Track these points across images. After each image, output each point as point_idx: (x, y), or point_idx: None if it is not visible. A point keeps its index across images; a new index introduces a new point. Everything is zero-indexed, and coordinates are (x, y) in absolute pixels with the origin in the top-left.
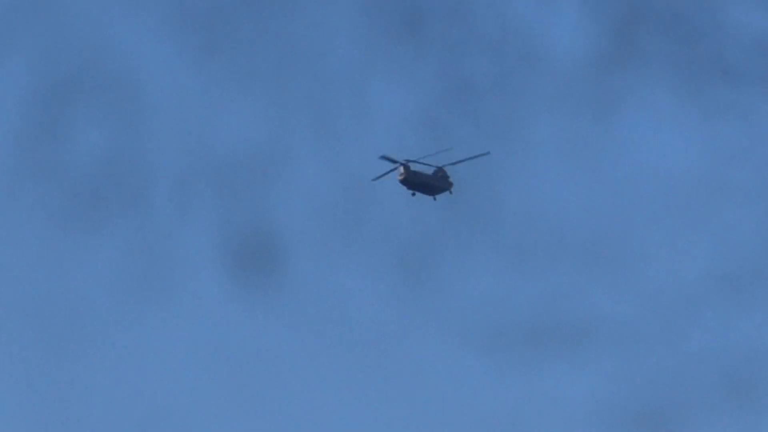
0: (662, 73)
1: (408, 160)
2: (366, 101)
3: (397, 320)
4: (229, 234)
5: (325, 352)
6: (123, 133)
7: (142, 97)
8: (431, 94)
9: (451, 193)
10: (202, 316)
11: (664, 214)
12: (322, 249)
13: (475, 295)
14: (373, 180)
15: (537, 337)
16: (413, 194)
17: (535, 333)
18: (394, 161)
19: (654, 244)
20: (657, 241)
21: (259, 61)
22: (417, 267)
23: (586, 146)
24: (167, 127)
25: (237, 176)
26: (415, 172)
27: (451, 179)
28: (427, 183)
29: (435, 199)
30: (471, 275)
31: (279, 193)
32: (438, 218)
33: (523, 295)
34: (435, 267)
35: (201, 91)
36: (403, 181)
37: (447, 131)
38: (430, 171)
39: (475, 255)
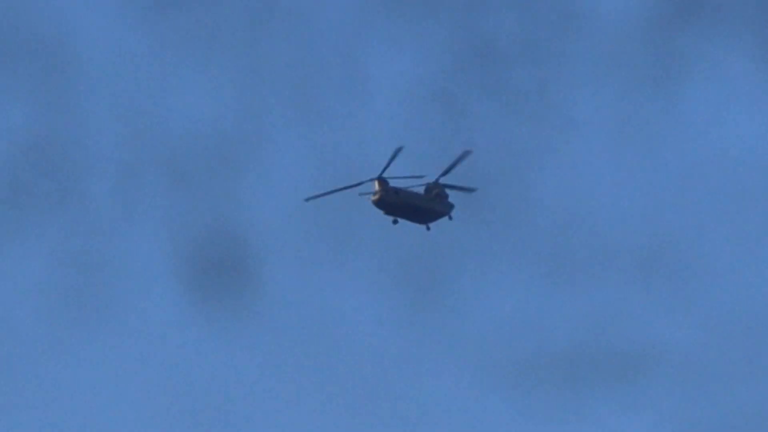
0: (737, 32)
1: (382, 176)
2: (360, 71)
3: (399, 350)
4: (186, 239)
5: (306, 390)
6: (51, 110)
7: (75, 64)
8: (442, 62)
9: (450, 218)
10: (151, 344)
11: (740, 215)
12: (305, 259)
13: (498, 318)
14: (307, 200)
15: (577, 370)
16: (394, 222)
17: (574, 365)
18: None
19: (726, 254)
20: (730, 250)
21: (223, 18)
22: (425, 282)
23: (641, 128)
24: (107, 103)
25: (196, 165)
26: (395, 190)
27: (449, 199)
28: (413, 205)
29: (428, 228)
30: (493, 292)
31: (249, 187)
32: (454, 224)
33: (559, 317)
34: (447, 282)
35: (150, 57)
36: (378, 202)
37: (463, 110)
38: (419, 187)
39: (498, 266)
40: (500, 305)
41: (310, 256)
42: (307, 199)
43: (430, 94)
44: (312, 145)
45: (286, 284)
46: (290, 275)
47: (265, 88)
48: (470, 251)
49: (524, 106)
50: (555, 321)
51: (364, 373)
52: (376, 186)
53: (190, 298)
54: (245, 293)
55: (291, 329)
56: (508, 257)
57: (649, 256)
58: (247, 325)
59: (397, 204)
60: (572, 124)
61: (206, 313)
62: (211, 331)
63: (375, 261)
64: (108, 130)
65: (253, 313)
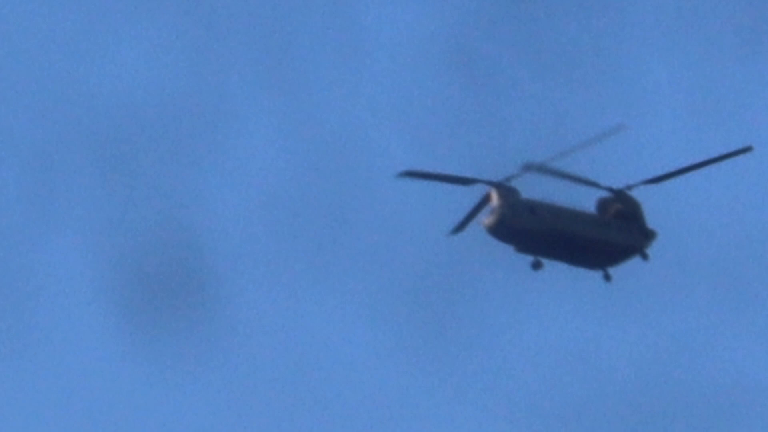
0: None
1: (509, 177)
2: (351, 22)
3: (403, 393)
4: (120, 245)
5: None
6: None
7: None
8: (460, 10)
9: (645, 257)
10: (72, 384)
11: None
12: (280, 272)
13: (534, 350)
14: (452, 233)
15: (639, 418)
16: (535, 266)
17: (635, 412)
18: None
19: None
20: None
21: None
22: (437, 306)
23: (726, 102)
24: (19, 66)
25: (134, 148)
26: (530, 206)
27: (642, 222)
28: (566, 233)
29: (607, 277)
30: (527, 319)
31: (206, 177)
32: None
33: (616, 349)
34: (468, 303)
35: (76, 7)
36: (496, 228)
37: (488, 76)
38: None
39: (535, 282)
40: (537, 333)
41: (288, 268)
42: (403, 175)
43: (445, 53)
44: (288, 122)
45: (256, 306)
46: (261, 294)
47: (226, 45)
48: (498, 262)
49: (572, 71)
50: (611, 354)
51: (357, 418)
52: (493, 197)
53: (126, 324)
54: (201, 318)
55: (261, 366)
56: (548, 271)
57: (738, 269)
58: (204, 360)
59: (534, 232)
60: (637, 95)
61: (148, 343)
62: (153, 369)
63: (373, 276)
64: (20, 101)
65: (212, 344)
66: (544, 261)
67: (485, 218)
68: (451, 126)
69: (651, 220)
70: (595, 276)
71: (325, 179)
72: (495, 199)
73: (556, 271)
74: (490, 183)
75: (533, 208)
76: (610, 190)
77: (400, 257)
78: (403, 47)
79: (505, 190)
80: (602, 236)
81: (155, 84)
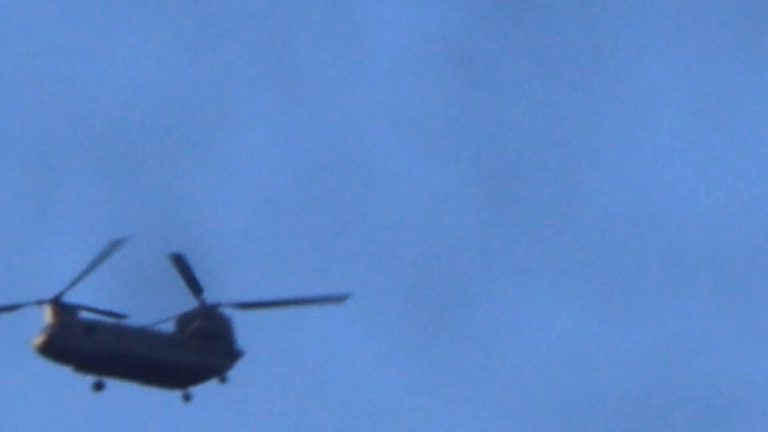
0: None
1: (59, 297)
2: (352, 23)
3: (405, 394)
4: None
5: None
6: None
7: None
8: (460, 11)
9: (223, 381)
10: (74, 381)
11: None
12: (280, 273)
13: (536, 350)
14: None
15: (640, 419)
16: (96, 387)
17: (637, 413)
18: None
19: None
20: None
21: None
22: (437, 303)
23: (726, 100)
24: (19, 66)
25: (133, 148)
26: (86, 326)
27: (226, 343)
28: (124, 354)
29: (188, 398)
30: (530, 317)
31: (205, 177)
32: (475, 222)
33: (618, 350)
34: (469, 303)
35: (70, 4)
36: (46, 349)
37: (488, 77)
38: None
39: (537, 282)
40: (539, 333)
41: (288, 269)
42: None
43: (444, 54)
44: (288, 122)
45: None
46: (261, 294)
47: (226, 45)
48: (500, 262)
49: (571, 72)
50: (613, 355)
51: (358, 423)
52: (48, 316)
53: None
54: None
55: (261, 365)
56: (550, 270)
57: (738, 269)
58: None
59: (89, 353)
60: (635, 95)
61: None
62: None
63: (373, 276)
64: (17, 100)
65: None
66: (112, 380)
67: (35, 338)
68: (450, 126)
69: None
70: (594, 277)
71: (325, 179)
72: (48, 318)
73: (556, 270)
74: (42, 302)
75: (90, 328)
76: (202, 302)
77: (400, 257)
78: (403, 47)
79: (60, 308)
80: (170, 357)
81: (155, 84)
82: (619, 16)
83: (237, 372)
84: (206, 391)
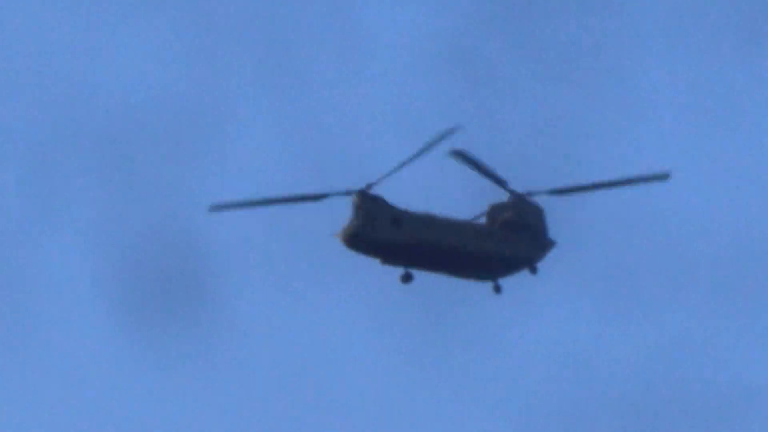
0: None
1: (372, 183)
2: (352, 23)
3: (403, 394)
4: (120, 246)
5: None
6: None
7: None
8: (462, 10)
9: (534, 272)
10: (69, 386)
11: None
12: (280, 276)
13: (537, 353)
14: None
15: (641, 418)
16: (405, 279)
17: (637, 412)
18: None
19: None
20: None
21: None
22: (439, 306)
23: (728, 100)
24: (19, 66)
25: (133, 148)
26: (394, 216)
27: (539, 232)
28: (436, 244)
29: (498, 290)
30: (531, 318)
31: (205, 177)
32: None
33: (620, 351)
34: (469, 305)
35: (71, 4)
36: (352, 241)
37: (489, 76)
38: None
39: (537, 284)
40: (539, 333)
41: (288, 272)
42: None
43: (444, 54)
44: (288, 122)
45: (255, 309)
46: (261, 297)
47: (226, 45)
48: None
49: (571, 72)
50: (613, 355)
51: (358, 423)
52: (355, 206)
53: (126, 324)
54: (201, 318)
55: (261, 366)
56: (550, 270)
57: (738, 269)
58: (203, 359)
59: (396, 244)
60: (635, 95)
61: (148, 343)
62: (153, 369)
63: (373, 276)
64: (14, 100)
65: (211, 344)
66: (421, 272)
67: (339, 230)
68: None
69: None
70: (595, 276)
71: (325, 179)
72: (355, 209)
73: (556, 270)
74: (349, 192)
75: (396, 218)
76: (511, 192)
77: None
78: (403, 47)
79: (365, 199)
80: (479, 248)
81: (155, 84)
82: (619, 16)
83: (548, 262)
84: (517, 282)
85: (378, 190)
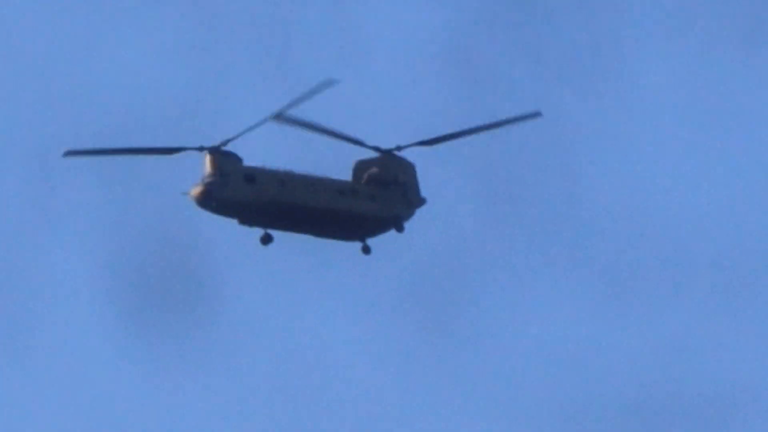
0: None
1: (227, 140)
2: (352, 23)
3: (402, 394)
4: (120, 245)
5: None
6: None
7: None
8: (462, 10)
9: (400, 230)
10: (70, 386)
11: None
12: (278, 272)
13: (535, 350)
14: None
15: (641, 419)
16: (264, 239)
17: (638, 413)
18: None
19: None
20: None
21: None
22: (436, 302)
23: (727, 100)
24: (20, 66)
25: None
26: (247, 173)
27: (409, 189)
28: (300, 203)
29: (367, 250)
30: (529, 316)
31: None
32: (474, 221)
33: (618, 349)
34: (467, 302)
35: (77, 7)
36: (201, 201)
37: (490, 76)
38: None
39: (536, 281)
40: (538, 333)
41: (287, 268)
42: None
43: (446, 53)
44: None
45: (255, 306)
46: (260, 294)
47: (226, 45)
48: (499, 261)
49: (571, 71)
50: (613, 355)
51: (357, 423)
52: (207, 165)
53: (125, 324)
54: (201, 318)
55: (261, 366)
56: (550, 270)
57: (738, 269)
58: (203, 359)
59: (252, 203)
60: (635, 95)
61: (147, 343)
62: (153, 369)
63: (373, 276)
64: (16, 103)
65: (212, 344)
66: (282, 233)
67: (192, 189)
68: (450, 126)
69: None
70: (594, 277)
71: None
72: (207, 167)
73: (556, 270)
74: (202, 149)
75: (251, 176)
76: (377, 150)
77: (400, 256)
78: (403, 47)
79: (219, 156)
80: (341, 205)
81: (155, 84)
82: (619, 16)
83: (416, 221)
84: (384, 242)
85: (234, 149)
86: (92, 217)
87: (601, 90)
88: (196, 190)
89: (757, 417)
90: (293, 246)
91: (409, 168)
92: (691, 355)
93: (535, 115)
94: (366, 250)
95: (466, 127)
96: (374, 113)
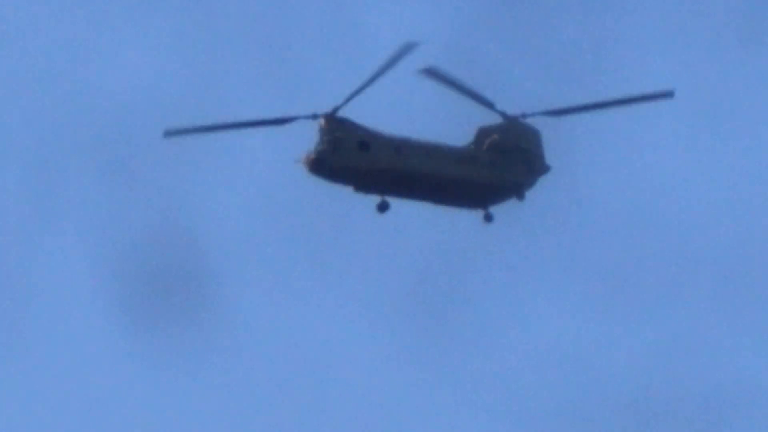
0: None
1: (335, 112)
2: (352, 23)
3: (401, 392)
4: (121, 245)
5: None
6: None
7: None
8: (460, 9)
9: (521, 198)
10: (70, 385)
11: None
12: (278, 272)
13: (535, 351)
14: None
15: (640, 418)
16: (381, 207)
17: (637, 412)
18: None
19: None
20: None
21: None
22: (436, 303)
23: (731, 99)
24: (19, 66)
25: (132, 146)
26: (362, 140)
27: (534, 155)
28: (414, 171)
29: (489, 218)
30: (529, 316)
31: (204, 175)
32: (474, 221)
33: (618, 351)
34: (468, 302)
35: (77, 7)
36: (314, 169)
37: (489, 75)
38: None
39: (536, 282)
40: (538, 333)
41: (288, 268)
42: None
43: (444, 52)
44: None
45: (256, 306)
46: (261, 293)
47: (226, 45)
48: (500, 261)
49: (571, 71)
50: (612, 355)
51: (357, 423)
52: (319, 132)
53: (125, 324)
54: (201, 317)
55: (261, 366)
56: (550, 269)
57: (738, 269)
58: (203, 359)
59: (365, 170)
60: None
61: (148, 343)
62: (153, 369)
63: (373, 276)
64: (16, 103)
65: (212, 344)
66: (400, 200)
67: (304, 156)
68: (450, 125)
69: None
70: (596, 276)
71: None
72: (319, 134)
73: (556, 270)
74: (315, 117)
75: (365, 143)
76: (503, 115)
77: (400, 256)
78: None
79: (332, 122)
80: (458, 173)
81: (155, 84)
82: (619, 16)
83: (539, 190)
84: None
85: (348, 114)
86: (93, 218)
87: (601, 90)
88: (307, 157)
89: (758, 417)
90: (303, 242)
91: (533, 135)
92: (691, 356)
93: (668, 94)
94: (488, 217)
95: (597, 100)
96: (374, 113)
